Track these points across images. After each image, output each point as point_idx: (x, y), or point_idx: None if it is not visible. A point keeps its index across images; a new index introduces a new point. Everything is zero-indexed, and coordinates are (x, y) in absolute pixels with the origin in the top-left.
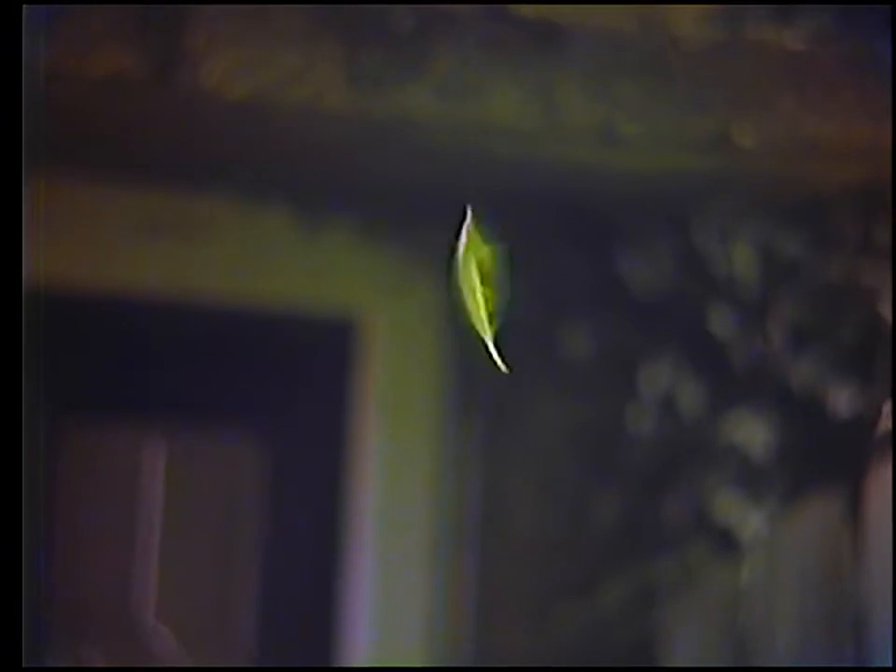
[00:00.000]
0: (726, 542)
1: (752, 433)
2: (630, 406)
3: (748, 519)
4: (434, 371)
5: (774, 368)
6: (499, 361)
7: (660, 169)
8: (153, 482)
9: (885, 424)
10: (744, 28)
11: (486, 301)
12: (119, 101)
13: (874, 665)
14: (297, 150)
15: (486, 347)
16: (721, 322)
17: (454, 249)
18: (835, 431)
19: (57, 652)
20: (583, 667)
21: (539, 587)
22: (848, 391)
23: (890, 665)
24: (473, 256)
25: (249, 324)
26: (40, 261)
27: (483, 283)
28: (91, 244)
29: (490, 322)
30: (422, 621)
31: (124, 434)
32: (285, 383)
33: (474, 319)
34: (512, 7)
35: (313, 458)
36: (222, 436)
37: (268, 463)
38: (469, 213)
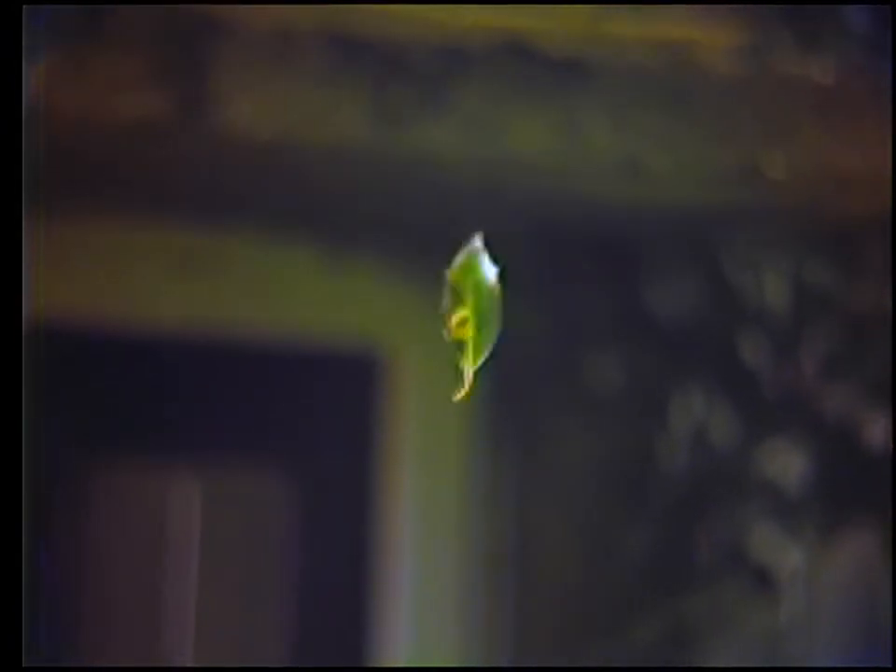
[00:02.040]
0: (762, 578)
1: (786, 465)
2: (661, 439)
3: (784, 554)
4: (463, 406)
5: (807, 398)
6: (464, 389)
7: (688, 201)
8: (182, 521)
9: None
10: (770, 61)
11: (472, 326)
12: (148, 144)
13: (874, 666)
14: (323, 188)
15: (460, 371)
16: (752, 353)
17: (449, 269)
18: (870, 462)
19: None
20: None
21: (572, 624)
22: (883, 421)
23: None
24: (468, 279)
25: (277, 360)
26: (69, 302)
27: (472, 308)
28: (122, 282)
29: (472, 349)
30: (456, 659)
31: (151, 472)
32: (313, 418)
33: (455, 342)
34: (536, 45)
35: (342, 493)
36: (251, 472)
37: (298, 498)
38: (478, 239)
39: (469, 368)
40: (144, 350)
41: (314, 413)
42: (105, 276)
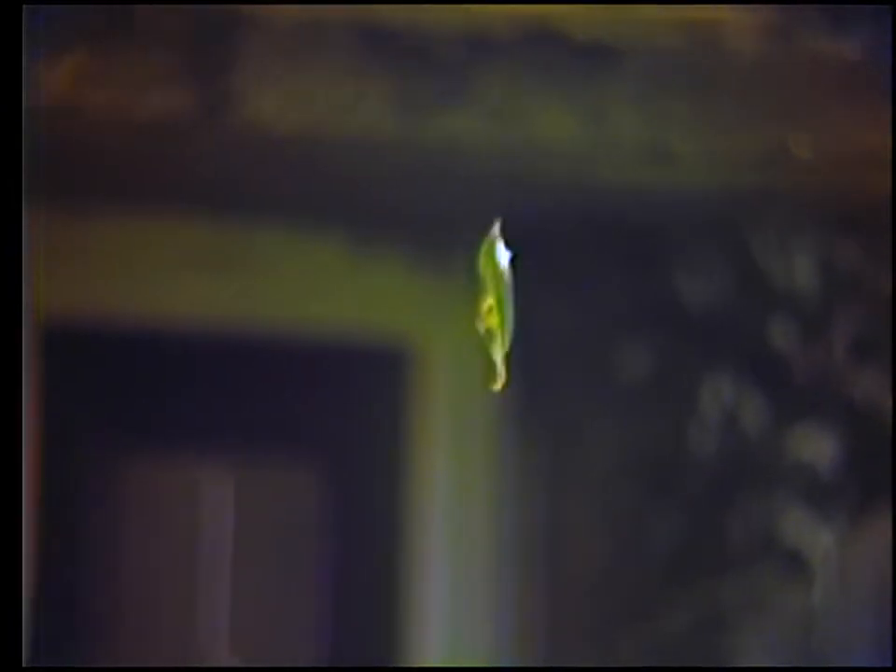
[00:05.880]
0: (795, 562)
1: (818, 449)
2: (692, 424)
3: (817, 537)
4: (492, 397)
5: (837, 381)
6: (499, 378)
7: (715, 185)
8: (216, 515)
9: None
10: (796, 40)
11: (496, 313)
12: (175, 138)
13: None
14: (349, 181)
15: (492, 360)
16: (781, 336)
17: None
18: None
19: None
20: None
21: (604, 610)
22: None
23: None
24: (488, 266)
25: (305, 354)
26: (97, 298)
27: (493, 295)
28: (152, 279)
29: (499, 336)
30: (489, 646)
31: (185, 468)
32: (343, 411)
33: (485, 331)
34: (561, 29)
35: (374, 486)
36: (283, 467)
37: (329, 492)
38: (497, 225)
39: (499, 356)
40: (175, 345)
41: (344, 407)
42: (131, 272)
